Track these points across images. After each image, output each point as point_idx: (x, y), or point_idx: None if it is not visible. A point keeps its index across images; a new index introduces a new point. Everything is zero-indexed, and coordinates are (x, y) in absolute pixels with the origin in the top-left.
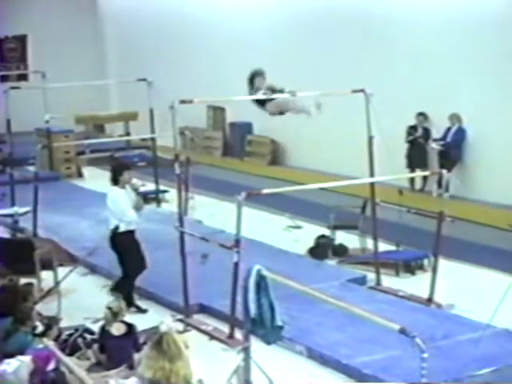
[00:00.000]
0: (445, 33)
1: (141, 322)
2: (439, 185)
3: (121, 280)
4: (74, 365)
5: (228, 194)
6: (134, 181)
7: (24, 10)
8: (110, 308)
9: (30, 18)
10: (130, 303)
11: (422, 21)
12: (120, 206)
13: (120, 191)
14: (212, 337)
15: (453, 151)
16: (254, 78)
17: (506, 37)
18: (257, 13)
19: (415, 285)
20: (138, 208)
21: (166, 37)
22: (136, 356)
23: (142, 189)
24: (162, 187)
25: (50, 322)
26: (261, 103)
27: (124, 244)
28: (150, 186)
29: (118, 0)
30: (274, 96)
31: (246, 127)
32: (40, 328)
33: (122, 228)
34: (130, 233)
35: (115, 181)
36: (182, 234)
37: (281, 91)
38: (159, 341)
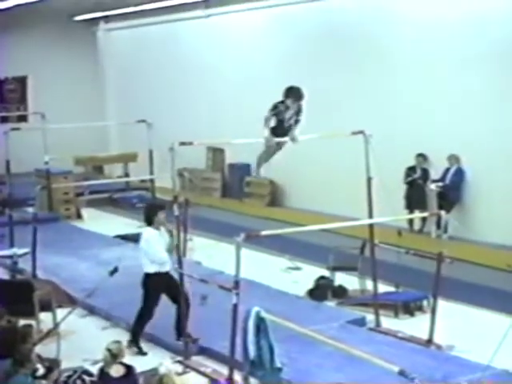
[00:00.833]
0: (444, 72)
1: (140, 364)
2: (438, 226)
3: (136, 321)
4: None
5: (227, 236)
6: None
7: (24, 52)
8: (109, 350)
9: (31, 59)
10: (134, 341)
11: (421, 60)
12: (153, 246)
13: (154, 232)
14: (211, 379)
15: (451, 192)
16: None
17: (505, 77)
18: (256, 55)
19: (415, 326)
20: (170, 250)
21: (165, 79)
22: None
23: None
24: None
25: (51, 365)
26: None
27: (150, 285)
28: None
29: (119, 42)
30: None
31: (245, 168)
32: (41, 371)
33: (153, 269)
34: (162, 275)
35: (149, 221)
36: (181, 275)
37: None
38: (159, 383)
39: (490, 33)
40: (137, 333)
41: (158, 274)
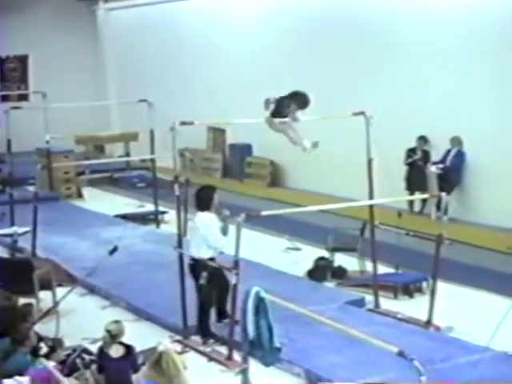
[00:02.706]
0: (447, 56)
1: (139, 343)
2: (438, 207)
3: (200, 316)
4: None
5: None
6: None
7: (25, 30)
8: (108, 331)
9: (32, 38)
10: (206, 333)
11: (423, 44)
12: (215, 232)
13: (212, 216)
14: (210, 358)
15: (452, 174)
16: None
17: (508, 61)
18: (257, 34)
19: (414, 307)
20: (225, 233)
21: (166, 58)
22: (134, 377)
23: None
24: (161, 208)
25: (54, 344)
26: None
27: (209, 271)
28: (149, 207)
29: (119, 22)
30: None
31: (246, 149)
32: (44, 349)
33: (209, 254)
34: (213, 260)
35: (206, 205)
36: (180, 255)
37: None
38: (158, 360)
39: (493, 17)
40: (206, 328)
41: (210, 260)
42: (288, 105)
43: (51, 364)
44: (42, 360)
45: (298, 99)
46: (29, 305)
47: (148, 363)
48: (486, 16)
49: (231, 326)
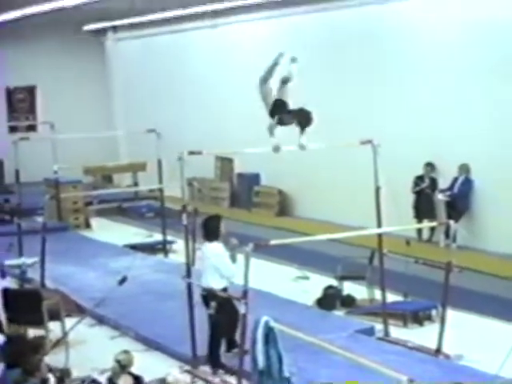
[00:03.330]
0: (453, 81)
1: (148, 373)
2: (447, 235)
3: (210, 345)
4: None
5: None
6: None
7: (33, 61)
8: (118, 361)
9: (40, 69)
10: (215, 363)
11: (430, 69)
12: (226, 262)
13: (221, 245)
14: None
15: (460, 201)
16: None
17: None
18: (264, 65)
19: (423, 335)
20: (233, 261)
21: (174, 88)
22: None
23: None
24: (169, 238)
25: (62, 375)
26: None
27: (219, 301)
28: (157, 237)
29: (127, 52)
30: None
31: (254, 178)
32: (52, 380)
33: (222, 285)
34: (225, 290)
35: (215, 234)
36: (189, 284)
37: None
38: None
39: (504, 41)
40: (217, 358)
41: (225, 289)
42: (291, 118)
43: None
44: None
45: (302, 115)
46: (41, 337)
47: None
48: (496, 40)
49: (241, 355)
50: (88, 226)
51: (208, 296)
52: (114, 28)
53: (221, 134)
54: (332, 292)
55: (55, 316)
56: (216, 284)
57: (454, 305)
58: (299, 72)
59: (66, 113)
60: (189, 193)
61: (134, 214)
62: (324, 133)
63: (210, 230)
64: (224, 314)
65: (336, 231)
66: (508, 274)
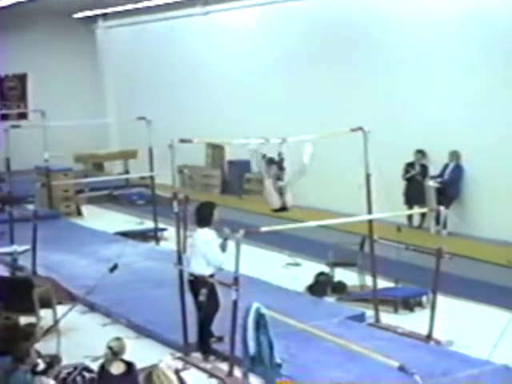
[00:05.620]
0: (444, 69)
1: (140, 360)
2: (437, 221)
3: (200, 332)
4: None
5: None
6: None
7: (24, 49)
8: (110, 347)
9: (31, 56)
10: (206, 350)
11: (421, 56)
12: (214, 249)
13: (212, 232)
14: (211, 375)
15: (450, 188)
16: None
17: (505, 74)
18: (255, 51)
19: (414, 321)
20: (224, 250)
21: (164, 76)
22: None
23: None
24: (160, 225)
25: (52, 361)
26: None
27: (207, 287)
28: (148, 224)
29: (117, 40)
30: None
31: (245, 165)
32: (41, 366)
33: (210, 271)
34: (212, 277)
35: (206, 221)
36: (180, 272)
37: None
38: (148, 376)
39: (490, 30)
40: (207, 344)
41: (209, 277)
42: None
43: (51, 382)
44: (42, 378)
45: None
46: (32, 325)
47: (140, 381)
48: (482, 29)
49: (231, 341)
50: (79, 213)
51: (196, 282)
52: (105, 15)
53: (212, 121)
54: (323, 278)
55: (46, 303)
56: (203, 270)
57: (445, 291)
58: (289, 65)
59: (57, 101)
60: (180, 180)
61: (125, 201)
62: (314, 120)
63: (203, 216)
64: (214, 301)
65: (327, 218)
66: (498, 260)
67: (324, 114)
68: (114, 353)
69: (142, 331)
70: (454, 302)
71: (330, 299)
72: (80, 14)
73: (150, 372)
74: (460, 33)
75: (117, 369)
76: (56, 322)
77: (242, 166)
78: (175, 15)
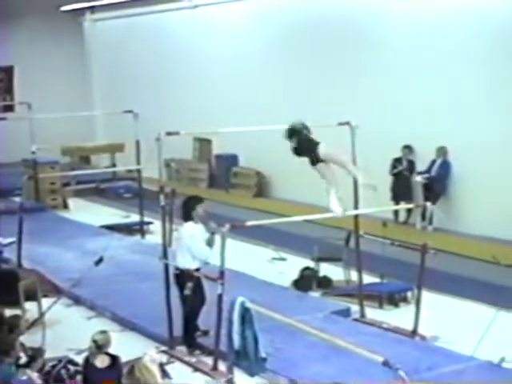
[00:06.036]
0: (432, 64)
1: (125, 354)
2: (423, 217)
3: (186, 326)
4: None
5: None
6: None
7: (11, 42)
8: (95, 341)
9: (17, 49)
10: (191, 344)
11: (409, 52)
12: (198, 243)
13: (196, 226)
14: (196, 369)
15: (437, 184)
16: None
17: (493, 71)
18: (243, 44)
19: (399, 317)
20: (210, 245)
21: (152, 69)
22: None
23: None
24: (146, 219)
25: (35, 354)
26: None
27: (193, 281)
28: (134, 218)
29: (105, 33)
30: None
31: (232, 159)
32: (24, 359)
33: (195, 265)
34: (198, 271)
35: (187, 216)
36: (166, 265)
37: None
38: (131, 370)
39: (481, 26)
40: (192, 338)
41: (195, 271)
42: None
43: (35, 375)
44: (27, 371)
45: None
46: (17, 317)
47: (124, 375)
48: (472, 26)
49: (216, 335)
50: (65, 206)
51: (182, 276)
52: (92, 8)
53: (199, 115)
54: (308, 273)
55: (32, 296)
56: (188, 264)
57: (430, 286)
58: (277, 59)
59: (44, 93)
60: (167, 174)
61: (111, 194)
62: (301, 114)
63: (187, 210)
64: (199, 295)
65: (313, 213)
66: (483, 256)
67: (312, 108)
68: (99, 346)
69: (127, 324)
70: (439, 298)
71: (316, 294)
72: (67, 7)
73: (133, 366)
74: (451, 29)
75: (101, 362)
76: (41, 314)
77: (230, 160)
78: (163, 8)
